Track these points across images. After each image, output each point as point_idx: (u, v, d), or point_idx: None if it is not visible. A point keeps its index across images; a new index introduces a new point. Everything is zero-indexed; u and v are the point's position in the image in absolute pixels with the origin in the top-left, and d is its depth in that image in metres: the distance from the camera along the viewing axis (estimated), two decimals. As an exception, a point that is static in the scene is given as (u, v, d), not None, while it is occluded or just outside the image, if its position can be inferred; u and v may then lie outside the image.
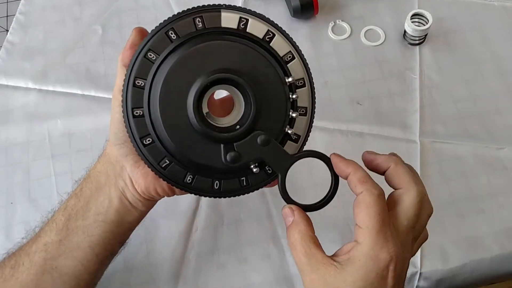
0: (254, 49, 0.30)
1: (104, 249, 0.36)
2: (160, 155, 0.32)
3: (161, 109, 0.30)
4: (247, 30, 0.31)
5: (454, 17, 0.60)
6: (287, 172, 0.32)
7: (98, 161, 0.37)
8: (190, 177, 0.32)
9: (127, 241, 0.39)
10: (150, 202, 0.37)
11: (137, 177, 0.35)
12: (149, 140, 0.31)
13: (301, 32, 0.59)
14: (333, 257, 0.30)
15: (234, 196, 0.33)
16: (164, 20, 0.31)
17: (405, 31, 0.57)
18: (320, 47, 0.58)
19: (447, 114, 0.54)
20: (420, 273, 0.45)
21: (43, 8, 0.63)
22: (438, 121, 0.53)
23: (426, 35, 0.57)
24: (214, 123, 0.31)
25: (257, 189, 0.33)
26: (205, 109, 0.31)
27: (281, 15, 0.61)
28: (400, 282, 0.29)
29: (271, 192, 0.49)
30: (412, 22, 0.56)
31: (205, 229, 0.47)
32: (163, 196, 0.37)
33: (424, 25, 0.56)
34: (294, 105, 0.32)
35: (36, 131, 0.54)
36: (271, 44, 0.31)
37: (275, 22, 0.32)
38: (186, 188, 0.33)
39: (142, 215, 0.38)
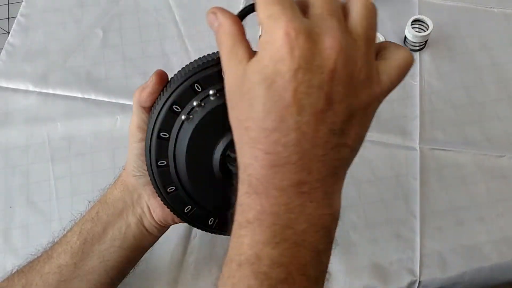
0: None
1: (118, 272, 0.37)
2: (183, 202, 0.32)
3: (187, 162, 0.30)
4: None
5: (454, 24, 0.60)
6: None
7: (114, 186, 0.37)
8: (212, 220, 0.33)
9: (138, 263, 0.40)
10: (165, 228, 0.38)
11: (155, 207, 0.35)
12: (172, 189, 0.32)
13: (301, 37, 0.59)
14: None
15: None
16: (187, 66, 0.30)
17: (405, 37, 0.57)
18: (321, 52, 0.58)
19: (447, 120, 0.54)
20: (419, 282, 0.45)
21: (44, 11, 0.63)
22: (438, 127, 0.53)
23: (426, 41, 0.57)
24: (234, 167, 0.32)
25: None
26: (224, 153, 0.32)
27: (282, 20, 0.61)
28: (311, 64, 0.21)
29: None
30: (412, 28, 0.56)
31: (204, 235, 0.47)
32: (179, 222, 0.37)
33: (425, 31, 0.56)
34: None
35: (36, 134, 0.54)
36: None
37: None
38: (209, 230, 0.34)
39: (156, 239, 0.38)
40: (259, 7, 0.23)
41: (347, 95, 0.22)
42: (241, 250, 0.24)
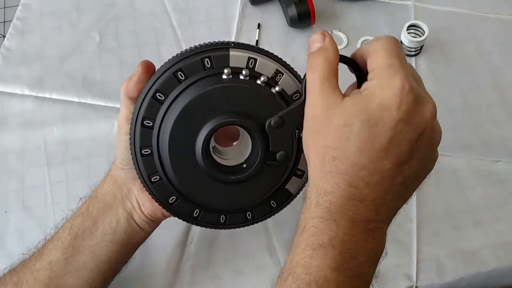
0: (262, 91, 0.30)
1: (110, 269, 0.36)
2: (167, 192, 0.32)
3: (170, 150, 0.30)
4: (256, 70, 0.31)
5: (450, 29, 0.60)
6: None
7: (104, 181, 0.37)
8: (197, 211, 0.33)
9: (130, 260, 0.39)
10: (156, 223, 0.38)
11: (144, 201, 0.35)
12: (156, 178, 0.32)
13: (298, 41, 0.59)
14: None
15: (239, 227, 0.34)
16: (173, 57, 0.31)
17: (401, 42, 0.58)
18: (317, 57, 0.58)
19: (443, 125, 0.53)
20: (416, 287, 0.45)
21: (40, 14, 0.63)
22: (434, 132, 0.53)
23: (422, 46, 0.58)
24: (221, 158, 0.32)
25: (261, 221, 0.34)
26: (211, 143, 0.32)
27: (278, 25, 0.61)
28: (411, 120, 0.24)
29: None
30: (408, 33, 0.56)
31: (200, 241, 0.47)
32: (169, 217, 0.37)
33: (420, 36, 0.56)
34: (299, 146, 0.31)
35: (32, 138, 0.53)
36: (279, 84, 0.31)
37: (284, 60, 0.32)
38: (193, 222, 0.34)
39: (147, 235, 0.38)
40: (380, 53, 0.26)
41: (423, 156, 0.26)
42: (310, 270, 0.25)
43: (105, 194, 0.36)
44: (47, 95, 0.56)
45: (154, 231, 0.47)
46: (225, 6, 0.62)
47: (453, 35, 0.60)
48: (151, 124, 0.31)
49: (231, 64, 0.30)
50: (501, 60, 0.58)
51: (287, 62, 0.32)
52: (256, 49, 0.31)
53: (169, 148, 0.30)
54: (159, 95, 0.30)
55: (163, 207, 0.33)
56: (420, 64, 0.58)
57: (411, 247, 0.47)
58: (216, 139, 0.34)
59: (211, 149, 0.32)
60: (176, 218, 0.50)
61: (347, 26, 0.61)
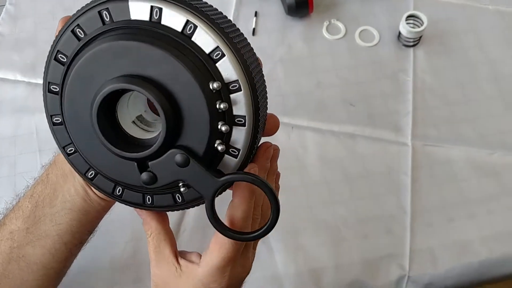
0: (166, 49, 0.24)
1: (72, 238, 0.35)
2: (84, 166, 0.29)
3: (69, 120, 0.26)
4: (162, 23, 0.25)
5: (449, 20, 0.60)
6: (214, 197, 0.27)
7: None
8: (119, 189, 0.29)
9: (95, 229, 0.38)
10: None
11: None
12: (71, 150, 0.28)
13: (295, 30, 0.59)
14: (181, 256, 0.31)
15: (170, 211, 0.30)
16: (73, 15, 0.27)
17: (399, 33, 0.57)
18: (314, 46, 0.58)
19: (440, 117, 0.54)
20: (408, 277, 0.45)
21: (33, -1, 0.62)
22: (430, 124, 0.53)
23: (420, 37, 0.57)
24: (143, 130, 0.28)
25: (194, 206, 0.30)
26: (135, 113, 0.28)
27: (276, 13, 0.60)
28: None
29: (261, 192, 0.49)
30: (407, 23, 0.56)
31: (193, 230, 0.47)
32: None
33: (419, 27, 0.56)
34: (226, 115, 0.26)
35: (24, 124, 0.53)
36: (192, 39, 0.25)
37: (200, 7, 0.25)
38: (118, 200, 0.30)
39: (109, 205, 0.36)
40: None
41: None
42: None
43: (63, 162, 0.34)
44: (39, 81, 0.55)
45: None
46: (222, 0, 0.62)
47: (452, 26, 0.60)
48: (57, 89, 0.27)
49: (132, 17, 0.25)
50: (499, 52, 0.58)
51: (241, 31, 0.26)
52: None
53: (68, 118, 0.26)
54: (60, 56, 0.27)
55: (87, 182, 0.30)
56: (418, 55, 0.57)
57: (405, 237, 0.47)
58: (152, 108, 0.30)
59: (134, 118, 0.28)
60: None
61: (346, 16, 0.60)
